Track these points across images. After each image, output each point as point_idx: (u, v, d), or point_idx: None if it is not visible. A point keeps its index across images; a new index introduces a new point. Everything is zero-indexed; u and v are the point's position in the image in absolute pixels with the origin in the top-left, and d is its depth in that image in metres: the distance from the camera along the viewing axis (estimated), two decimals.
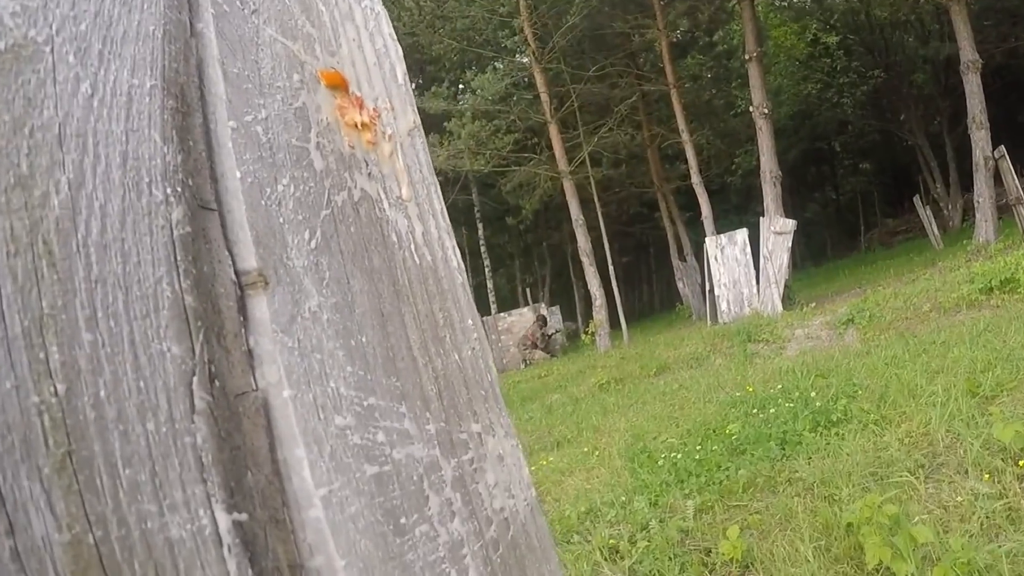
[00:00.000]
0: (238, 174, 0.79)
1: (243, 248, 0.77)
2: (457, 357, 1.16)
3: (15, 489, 0.55)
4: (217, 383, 0.70)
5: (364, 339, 0.92)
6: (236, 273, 0.76)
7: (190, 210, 0.74)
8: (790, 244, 25.40)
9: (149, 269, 0.68)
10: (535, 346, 35.17)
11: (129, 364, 0.64)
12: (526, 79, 41.20)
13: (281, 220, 0.83)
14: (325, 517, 0.74)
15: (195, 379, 0.69)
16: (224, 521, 0.67)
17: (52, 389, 0.59)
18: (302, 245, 0.85)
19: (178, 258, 0.71)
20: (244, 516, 0.69)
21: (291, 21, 0.99)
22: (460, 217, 55.23)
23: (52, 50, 0.67)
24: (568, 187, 34.44)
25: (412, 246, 1.11)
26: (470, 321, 1.25)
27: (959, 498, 6.12)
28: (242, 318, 0.75)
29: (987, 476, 6.35)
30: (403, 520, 0.88)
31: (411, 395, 0.98)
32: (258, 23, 0.92)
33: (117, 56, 0.72)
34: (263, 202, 0.81)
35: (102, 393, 0.61)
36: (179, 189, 0.73)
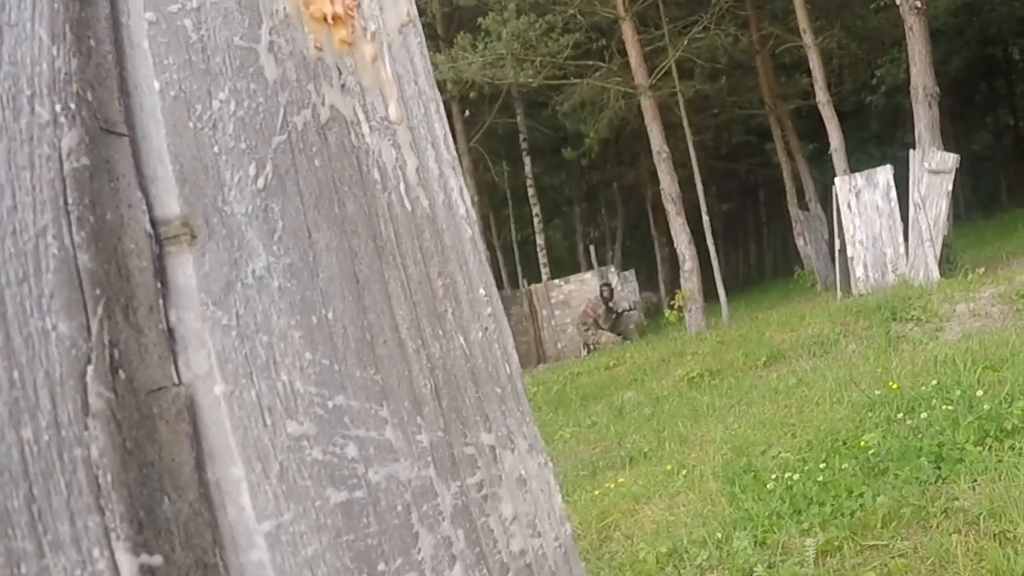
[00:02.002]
0: (157, 85, 0.79)
1: (163, 188, 0.76)
2: (462, 340, 1.16)
3: None
4: (122, 374, 0.70)
5: (331, 315, 0.91)
6: (152, 223, 0.76)
7: (88, 135, 0.73)
8: (951, 187, 25.27)
9: (28, 216, 0.68)
10: (599, 325, 35.16)
11: None
12: None
13: (216, 149, 0.83)
14: (271, 562, 0.74)
15: (91, 368, 0.68)
16: (128, 566, 0.67)
17: None
18: (245, 184, 0.85)
19: (69, 201, 0.70)
20: (158, 559, 0.69)
21: None
22: (500, 148, 55.33)
23: None
24: (648, 108, 34.30)
25: (402, 187, 1.11)
26: (482, 291, 1.25)
27: None
28: (160, 285, 0.75)
29: None
30: (382, 567, 0.88)
31: (396, 393, 0.98)
32: None
33: None
34: (191, 124, 0.81)
35: None
36: (73, 106, 0.73)
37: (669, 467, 11.65)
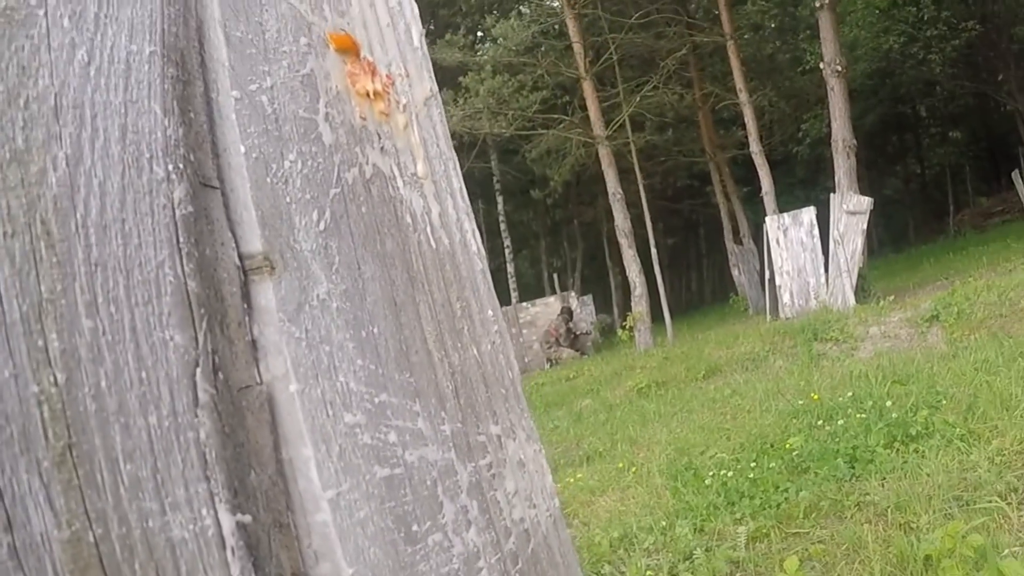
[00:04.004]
0: (242, 148, 0.85)
1: (247, 230, 0.83)
2: (476, 351, 1.22)
3: (14, 483, 0.61)
4: (221, 375, 0.76)
5: (376, 330, 0.98)
6: (240, 257, 0.82)
7: (192, 188, 0.79)
8: (865, 226, 25.29)
9: (151, 252, 0.74)
10: (560, 343, 35.08)
11: (131, 353, 0.70)
12: (556, 26, 41.06)
13: (288, 199, 0.89)
14: (333, 521, 0.80)
15: (198, 370, 0.74)
16: (228, 522, 0.73)
17: (52, 378, 0.64)
18: (310, 227, 0.91)
19: (180, 240, 0.76)
20: (248, 518, 0.75)
21: None
22: (476, 189, 55.10)
23: (46, 13, 0.72)
24: (604, 155, 34.23)
25: (428, 229, 1.17)
26: (490, 312, 1.31)
27: None
28: (246, 305, 0.81)
29: None
30: (415, 528, 0.94)
31: (425, 392, 1.04)
32: None
33: (114, 20, 0.78)
34: (268, 179, 0.87)
35: (103, 383, 0.67)
36: (181, 165, 0.79)
37: (620, 465, 11.63)
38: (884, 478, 8.15)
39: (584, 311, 40.33)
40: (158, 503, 0.68)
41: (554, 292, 42.90)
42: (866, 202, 25.60)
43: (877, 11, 58.18)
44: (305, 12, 1.04)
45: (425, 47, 1.36)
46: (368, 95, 1.10)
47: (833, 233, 25.07)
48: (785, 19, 53.41)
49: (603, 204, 47.35)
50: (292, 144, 0.92)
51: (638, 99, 37.99)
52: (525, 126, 40.59)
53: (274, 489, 0.79)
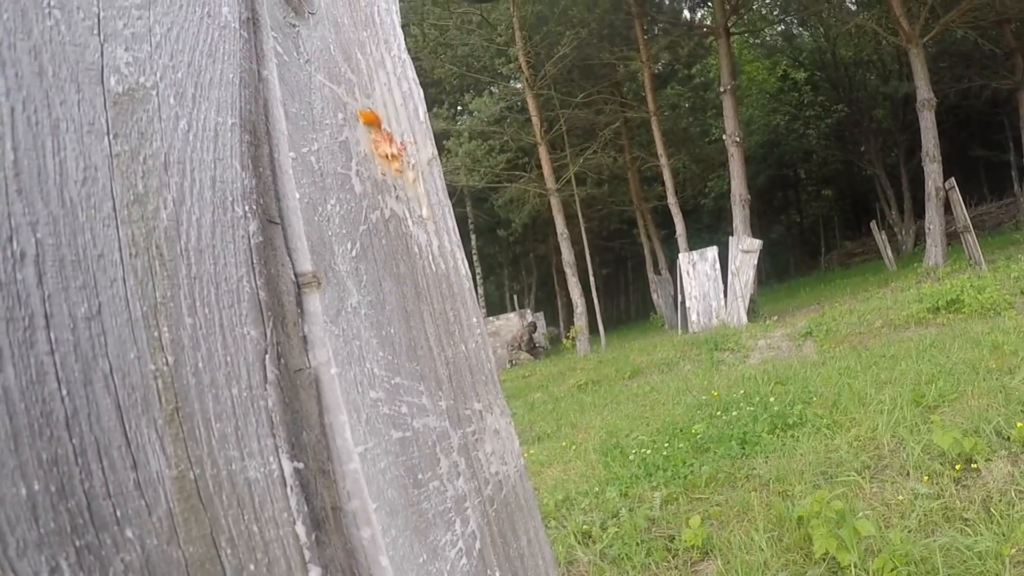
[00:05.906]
0: (297, 195, 0.90)
1: (301, 255, 0.88)
2: (464, 348, 1.28)
3: (137, 434, 0.66)
4: (282, 360, 0.81)
5: (392, 330, 1.03)
6: (295, 274, 0.87)
7: (261, 224, 0.84)
8: (756, 262, 25.48)
9: (233, 269, 0.79)
10: (521, 348, 35.25)
11: (219, 342, 0.75)
12: (519, 103, 41.19)
13: (330, 233, 0.94)
14: (361, 470, 0.85)
15: (267, 356, 0.79)
16: (288, 467, 0.78)
17: (164, 360, 0.69)
18: (346, 254, 0.96)
19: (254, 261, 0.81)
20: (301, 465, 0.80)
21: (336, 69, 1.11)
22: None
23: (158, 93, 0.77)
24: (554, 203, 34.38)
25: (430, 257, 1.23)
26: (475, 319, 1.37)
27: (900, 497, 6.21)
28: (299, 310, 0.86)
29: (926, 478, 6.45)
30: (420, 476, 0.99)
31: (428, 377, 1.10)
32: (311, 71, 1.03)
33: (206, 98, 0.83)
34: (316, 218, 0.92)
35: (200, 364, 0.72)
36: (254, 207, 0.84)
37: (564, 444, 11.63)
38: (767, 457, 8.21)
39: (539, 325, 40.46)
40: (239, 452, 0.73)
41: (514, 309, 43.13)
42: (757, 243, 25.81)
43: (768, 95, 59.40)
44: (342, 95, 1.09)
45: (428, 121, 1.42)
46: (387, 157, 1.16)
47: (731, 267, 25.24)
48: (696, 101, 53.99)
49: (553, 242, 47.60)
50: (332, 192, 0.97)
51: (581, 160, 38.23)
52: (494, 180, 40.70)
53: (319, 445, 0.84)
